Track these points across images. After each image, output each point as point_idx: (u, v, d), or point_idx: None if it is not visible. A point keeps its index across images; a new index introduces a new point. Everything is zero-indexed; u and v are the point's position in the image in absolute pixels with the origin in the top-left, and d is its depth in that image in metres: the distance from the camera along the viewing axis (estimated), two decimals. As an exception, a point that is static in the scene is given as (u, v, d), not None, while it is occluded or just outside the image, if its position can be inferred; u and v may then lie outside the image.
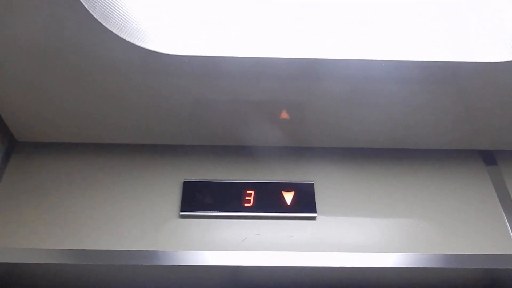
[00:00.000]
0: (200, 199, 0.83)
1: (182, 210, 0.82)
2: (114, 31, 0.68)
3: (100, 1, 0.65)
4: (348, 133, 0.88)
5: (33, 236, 0.78)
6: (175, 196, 0.84)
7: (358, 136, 0.89)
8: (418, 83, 0.77)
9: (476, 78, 0.75)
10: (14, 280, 0.83)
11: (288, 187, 0.85)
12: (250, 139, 0.89)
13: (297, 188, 0.85)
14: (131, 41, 0.70)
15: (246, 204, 0.83)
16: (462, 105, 0.81)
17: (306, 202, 0.84)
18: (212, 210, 0.82)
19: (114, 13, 0.67)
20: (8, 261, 0.75)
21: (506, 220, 0.84)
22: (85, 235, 0.79)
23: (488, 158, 0.92)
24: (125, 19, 0.68)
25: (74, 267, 0.77)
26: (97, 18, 0.66)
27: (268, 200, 0.84)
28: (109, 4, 0.66)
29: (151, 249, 0.78)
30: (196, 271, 0.80)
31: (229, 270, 0.79)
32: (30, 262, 0.76)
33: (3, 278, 0.82)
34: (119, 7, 0.67)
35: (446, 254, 0.80)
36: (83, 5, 0.63)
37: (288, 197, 0.84)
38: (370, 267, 0.78)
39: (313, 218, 0.83)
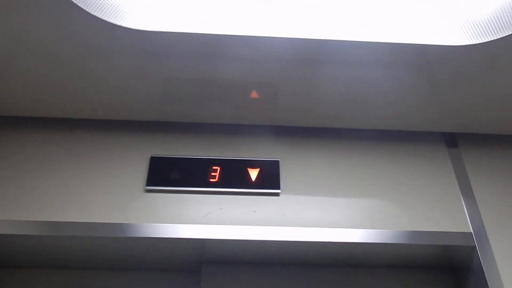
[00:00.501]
0: (166, 174, 0.85)
1: (148, 185, 0.83)
2: (82, 7, 0.68)
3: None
4: (313, 113, 0.90)
5: (3, 208, 0.79)
6: (142, 171, 0.85)
7: (323, 115, 0.91)
8: (383, 65, 0.79)
9: (441, 60, 0.77)
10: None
11: (254, 164, 0.87)
12: (219, 116, 0.91)
13: (262, 165, 0.87)
14: (100, 17, 0.70)
15: (211, 180, 0.85)
16: (427, 88, 0.83)
17: (270, 178, 0.86)
18: (178, 185, 0.84)
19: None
20: None
21: (463, 201, 0.87)
22: (54, 207, 0.80)
23: (450, 140, 0.95)
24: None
25: (42, 238, 0.78)
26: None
27: (233, 176, 0.85)
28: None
29: (116, 221, 0.79)
30: (160, 244, 0.81)
31: (193, 243, 0.80)
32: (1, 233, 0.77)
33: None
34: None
35: (406, 231, 0.82)
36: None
37: (253, 173, 0.86)
38: (329, 242, 0.80)
39: (277, 194, 0.85)
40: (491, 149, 0.94)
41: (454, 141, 0.95)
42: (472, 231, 0.83)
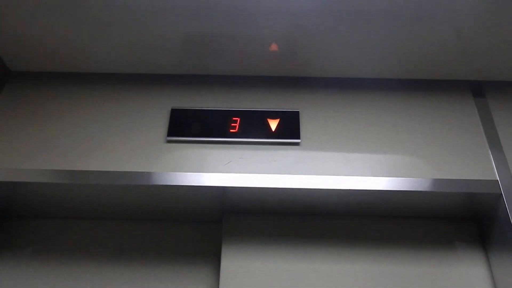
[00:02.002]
0: (187, 125, 0.85)
1: (169, 135, 0.84)
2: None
3: None
4: (335, 63, 0.89)
5: (28, 158, 0.82)
6: (163, 123, 0.86)
7: (345, 65, 0.89)
8: (406, 11, 0.77)
9: (463, 2, 0.74)
10: (10, 198, 0.87)
11: (274, 115, 0.87)
12: (238, 69, 0.91)
13: (282, 116, 0.87)
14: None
15: (231, 130, 0.85)
16: (451, 33, 0.81)
17: (290, 129, 0.85)
18: (198, 136, 0.84)
19: None
20: (5, 180, 0.79)
21: (489, 150, 0.84)
22: (78, 157, 0.82)
23: (477, 89, 0.92)
24: None
25: (65, 186, 0.81)
26: None
27: (253, 126, 0.85)
28: None
29: (138, 170, 0.80)
30: (181, 193, 0.82)
31: (213, 191, 0.81)
32: (26, 181, 0.80)
33: (2, 195, 0.86)
34: None
35: (430, 179, 0.81)
36: None
37: (273, 124, 0.86)
38: (350, 190, 0.79)
39: (297, 144, 0.84)
40: (519, 97, 0.91)
41: (481, 90, 0.92)
42: (498, 178, 0.81)
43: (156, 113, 0.87)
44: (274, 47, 0.86)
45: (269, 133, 0.85)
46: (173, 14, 0.79)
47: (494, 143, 0.85)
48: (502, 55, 0.85)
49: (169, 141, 0.84)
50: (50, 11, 0.78)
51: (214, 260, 0.88)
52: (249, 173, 0.81)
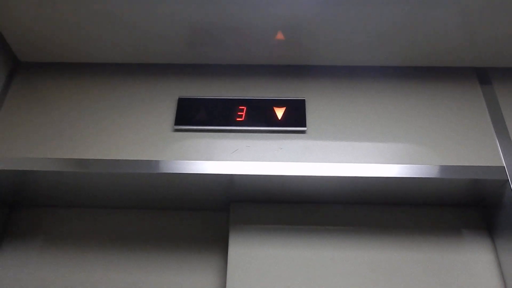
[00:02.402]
0: (194, 114, 0.86)
1: (176, 124, 0.85)
2: None
3: None
4: (341, 51, 0.89)
5: (37, 147, 0.83)
6: (170, 112, 0.87)
7: (351, 53, 0.89)
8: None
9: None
10: (21, 187, 0.89)
11: (280, 103, 0.87)
12: (244, 58, 0.91)
13: (288, 104, 0.87)
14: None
15: (238, 119, 0.86)
16: (459, 20, 0.81)
17: (296, 117, 0.86)
18: (205, 125, 0.85)
19: None
20: (16, 169, 0.81)
21: (496, 136, 0.84)
22: (86, 146, 0.83)
23: (483, 76, 0.92)
24: None
25: (73, 175, 0.82)
26: None
27: (259, 115, 0.86)
28: None
29: (146, 158, 0.82)
30: (189, 181, 0.83)
31: (221, 179, 0.82)
32: (35, 169, 0.81)
33: (13, 184, 0.88)
34: None
35: (436, 165, 0.81)
36: None
37: (279, 112, 0.86)
38: (356, 177, 0.80)
39: (303, 132, 0.85)
40: (526, 83, 0.90)
41: (487, 77, 0.91)
42: (504, 165, 0.81)
43: (163, 103, 0.88)
44: (280, 35, 0.87)
45: (275, 121, 0.85)
46: (180, 4, 0.79)
47: (501, 130, 0.85)
48: (508, 42, 0.85)
49: (176, 130, 0.85)
50: (59, 2, 0.79)
51: (222, 248, 0.89)
52: (256, 161, 0.82)
